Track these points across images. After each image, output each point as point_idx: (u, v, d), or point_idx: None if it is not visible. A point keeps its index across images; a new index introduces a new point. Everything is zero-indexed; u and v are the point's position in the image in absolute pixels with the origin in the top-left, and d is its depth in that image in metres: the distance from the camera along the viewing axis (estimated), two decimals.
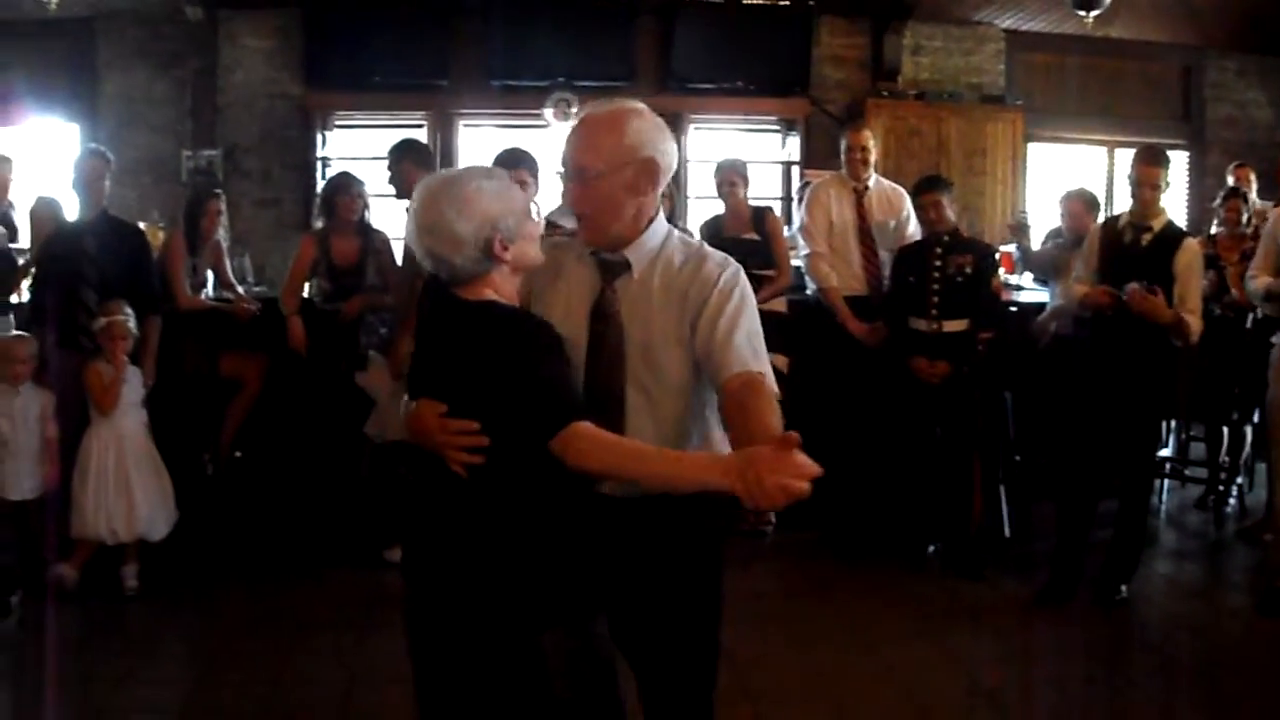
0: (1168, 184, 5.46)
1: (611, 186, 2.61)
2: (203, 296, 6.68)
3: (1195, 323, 5.33)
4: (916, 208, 6.24)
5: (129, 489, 5.50)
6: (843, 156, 6.70)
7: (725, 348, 2.55)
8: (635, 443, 2.47)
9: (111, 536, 5.50)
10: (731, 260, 2.71)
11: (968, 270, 5.89)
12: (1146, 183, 5.39)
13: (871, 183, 6.67)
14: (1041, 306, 6.78)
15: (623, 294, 2.67)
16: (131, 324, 5.61)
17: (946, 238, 5.97)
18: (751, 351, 2.57)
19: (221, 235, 7.03)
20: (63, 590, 5.41)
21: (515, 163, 5.20)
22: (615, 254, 2.68)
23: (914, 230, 6.50)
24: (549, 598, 2.51)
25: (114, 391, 5.51)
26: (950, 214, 6.03)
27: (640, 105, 2.69)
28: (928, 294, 5.93)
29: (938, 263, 5.93)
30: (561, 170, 2.68)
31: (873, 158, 6.67)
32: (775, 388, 2.56)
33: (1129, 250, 5.45)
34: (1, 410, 5.44)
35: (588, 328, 2.67)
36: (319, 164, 9.27)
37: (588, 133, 2.64)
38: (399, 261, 6.16)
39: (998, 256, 6.23)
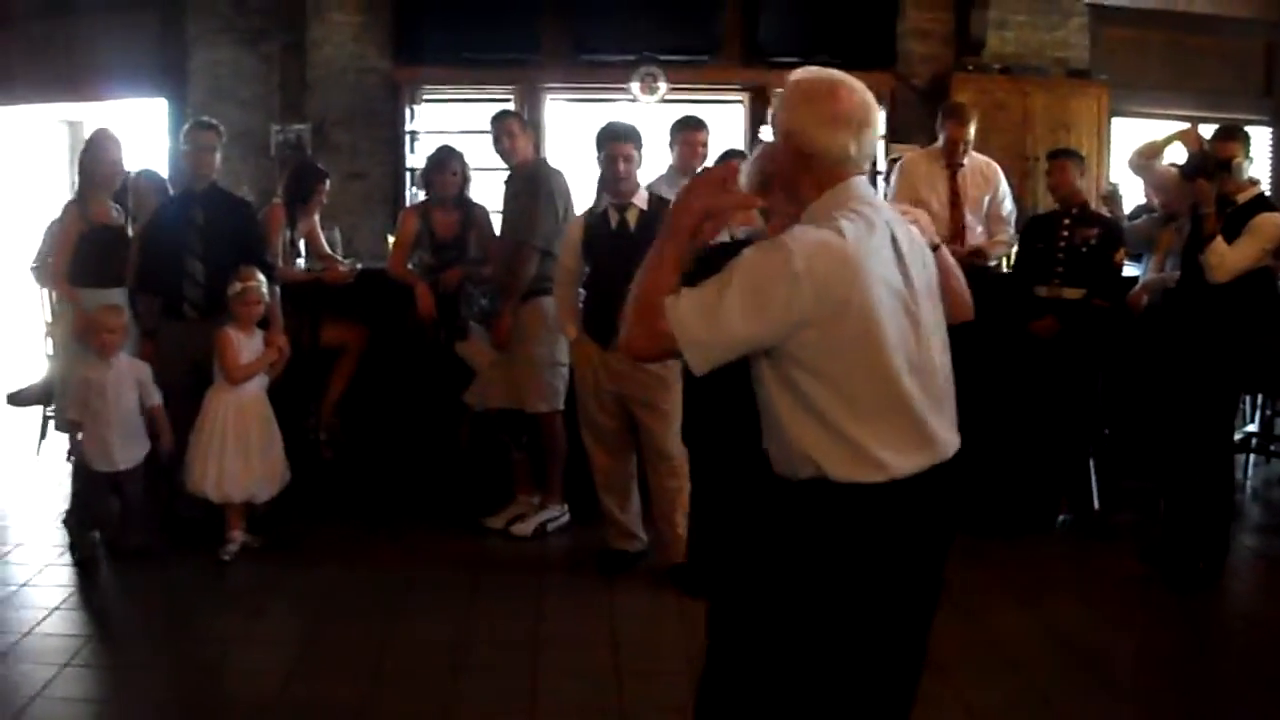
0: (1251, 159, 5.57)
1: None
2: (296, 267, 6.76)
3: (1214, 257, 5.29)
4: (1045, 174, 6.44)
5: (246, 451, 5.61)
6: (940, 140, 6.72)
7: None
8: None
9: (220, 496, 5.60)
10: (771, 242, 2.37)
11: (1092, 242, 6.09)
12: None
13: (965, 160, 6.69)
14: (1133, 280, 6.78)
15: None
16: (264, 290, 5.75)
17: (1075, 210, 6.21)
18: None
19: None
20: (154, 554, 5.57)
21: (623, 136, 5.29)
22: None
23: (1010, 207, 6.69)
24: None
25: (257, 365, 5.71)
26: (1079, 184, 6.29)
27: (839, 87, 2.46)
28: (1053, 262, 6.13)
29: (1065, 232, 6.14)
30: None
31: (970, 147, 6.70)
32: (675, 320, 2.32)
33: None
34: (92, 382, 5.50)
35: None
36: (407, 138, 9.34)
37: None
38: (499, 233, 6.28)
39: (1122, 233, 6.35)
